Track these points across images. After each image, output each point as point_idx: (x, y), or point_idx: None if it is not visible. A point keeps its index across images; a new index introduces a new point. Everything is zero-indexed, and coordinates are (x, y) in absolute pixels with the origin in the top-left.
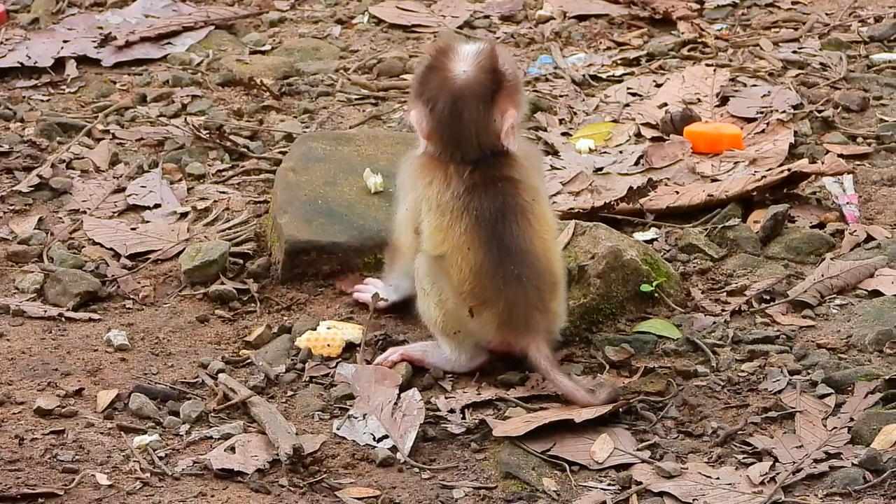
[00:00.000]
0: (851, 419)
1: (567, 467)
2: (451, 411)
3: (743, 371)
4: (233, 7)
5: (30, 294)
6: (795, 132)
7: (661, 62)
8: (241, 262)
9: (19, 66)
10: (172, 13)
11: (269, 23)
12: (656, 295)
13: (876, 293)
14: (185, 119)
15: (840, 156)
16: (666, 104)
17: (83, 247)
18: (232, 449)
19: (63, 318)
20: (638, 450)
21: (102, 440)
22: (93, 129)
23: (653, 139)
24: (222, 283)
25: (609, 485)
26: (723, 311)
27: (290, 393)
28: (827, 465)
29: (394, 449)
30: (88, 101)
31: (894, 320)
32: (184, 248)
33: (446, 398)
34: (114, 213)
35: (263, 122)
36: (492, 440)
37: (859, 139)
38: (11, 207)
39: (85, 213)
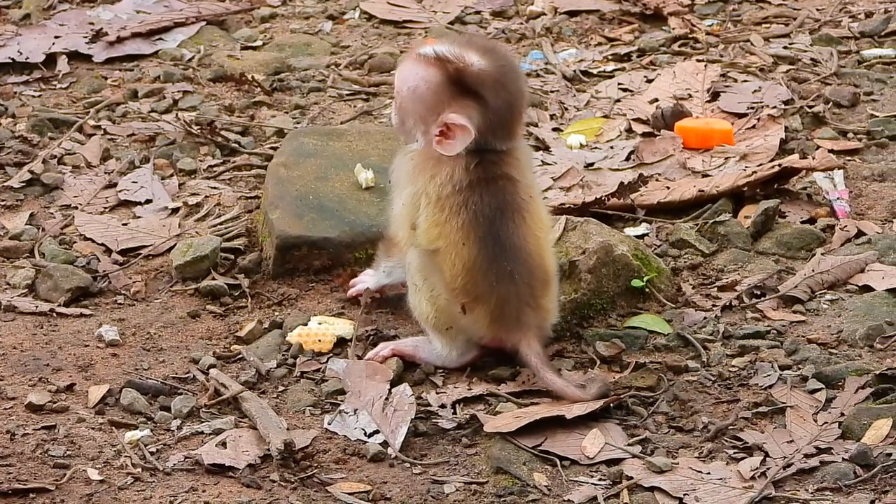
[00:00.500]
0: (842, 414)
1: (558, 462)
2: (443, 406)
3: (734, 366)
4: (224, 3)
5: (21, 289)
6: (786, 127)
7: (651, 58)
8: (232, 257)
9: (10, 61)
10: (163, 9)
11: (261, 18)
12: (647, 290)
13: (866, 288)
14: (177, 115)
15: (831, 151)
16: (657, 100)
17: (74, 242)
18: (223, 444)
19: (54, 314)
20: (629, 445)
21: (94, 435)
22: (84, 125)
23: (644, 135)
24: (213, 279)
25: (600, 480)
26: (713, 306)
27: (281, 388)
28: (817, 460)
29: (385, 444)
30: (80, 96)
31: (885, 315)
32: (175, 244)
33: (437, 393)
34: (105, 208)
35: (255, 117)
36: (483, 435)
37: (850, 134)
38: (3, 203)
39: (76, 208)
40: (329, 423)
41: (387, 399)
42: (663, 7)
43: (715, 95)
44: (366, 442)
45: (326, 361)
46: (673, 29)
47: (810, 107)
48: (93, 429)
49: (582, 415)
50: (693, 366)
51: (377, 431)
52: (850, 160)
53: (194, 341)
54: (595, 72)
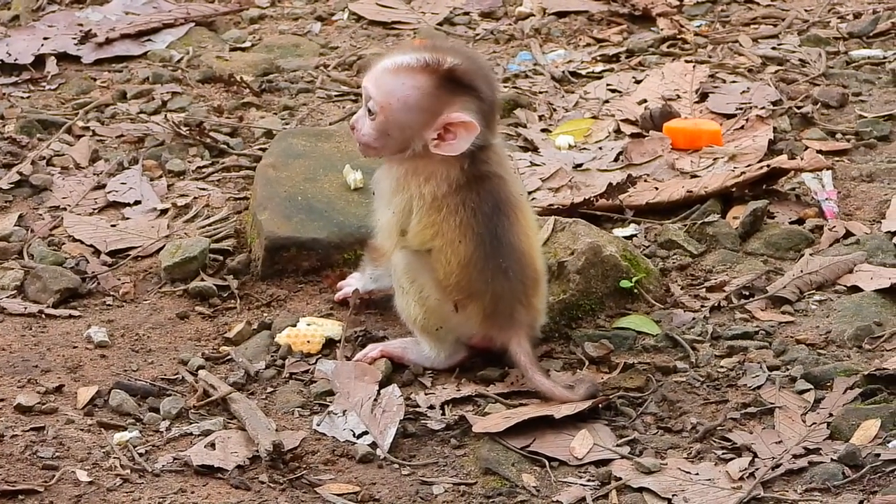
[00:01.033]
0: (830, 415)
1: (547, 463)
2: (431, 407)
3: (722, 367)
4: (213, 4)
5: (10, 291)
6: (774, 128)
7: (640, 59)
8: (220, 258)
9: None
10: (152, 10)
11: (249, 20)
12: (636, 291)
13: (855, 289)
14: (166, 116)
15: (819, 152)
16: (645, 100)
17: (63, 243)
18: (212, 445)
19: (43, 315)
20: (617, 445)
21: (83, 437)
22: (73, 126)
23: (632, 135)
24: (202, 280)
25: (589, 480)
26: (702, 306)
27: (269, 389)
28: (806, 461)
29: (373, 445)
30: (69, 97)
31: (873, 316)
32: (164, 245)
33: (426, 394)
34: (94, 209)
35: (243, 118)
36: (471, 436)
37: (838, 135)
38: None
39: (65, 209)
40: (318, 425)
41: (375, 400)
42: (652, 8)
43: (703, 96)
44: (354, 443)
45: (315, 362)
46: (661, 30)
47: (799, 107)
48: (81, 430)
49: (570, 415)
50: (681, 366)
51: (366, 432)
52: (838, 161)
53: (183, 342)
54: (584, 73)
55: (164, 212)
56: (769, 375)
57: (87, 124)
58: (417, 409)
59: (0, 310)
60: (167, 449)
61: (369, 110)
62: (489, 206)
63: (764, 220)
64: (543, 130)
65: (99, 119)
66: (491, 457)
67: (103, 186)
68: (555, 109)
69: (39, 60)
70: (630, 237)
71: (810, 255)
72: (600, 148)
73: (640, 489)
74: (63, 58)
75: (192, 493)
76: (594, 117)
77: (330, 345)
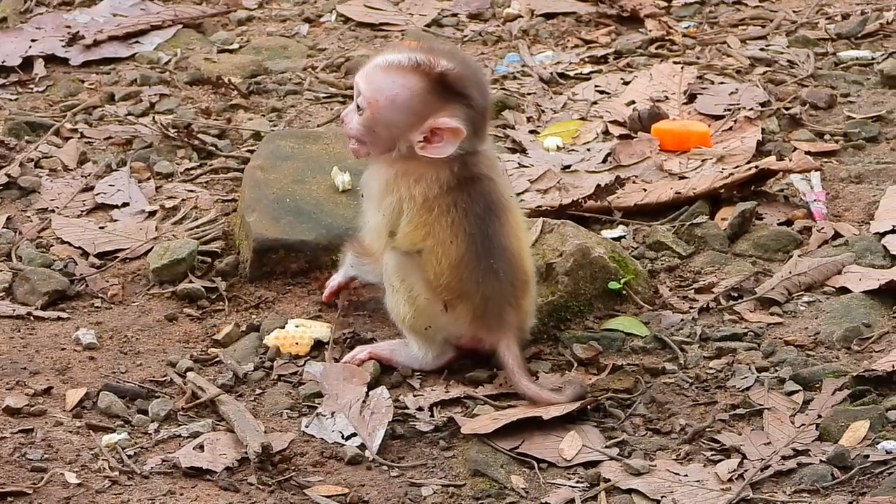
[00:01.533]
0: (819, 416)
1: (535, 465)
2: (420, 409)
3: (711, 368)
4: (201, 6)
5: None
6: (763, 129)
7: (628, 60)
8: (209, 260)
9: None
10: (140, 12)
11: (237, 21)
12: (624, 292)
13: (843, 290)
14: (154, 118)
15: (807, 153)
16: (634, 102)
17: (51, 245)
18: (200, 447)
19: (31, 317)
20: (606, 447)
21: (71, 439)
22: (61, 128)
23: (620, 137)
24: (190, 282)
25: (578, 482)
26: (691, 308)
27: (258, 391)
28: (795, 462)
29: (362, 447)
30: (57, 99)
31: (862, 317)
32: (152, 247)
33: (415, 396)
34: (82, 211)
35: (231, 120)
36: (460, 438)
37: (827, 136)
38: None
39: (53, 211)
40: (306, 426)
41: (364, 402)
42: (640, 9)
43: (691, 97)
44: (343, 445)
45: (303, 364)
46: (649, 31)
47: (787, 108)
48: (70, 432)
49: (559, 417)
50: (670, 368)
51: (354, 434)
52: (826, 162)
53: (171, 344)
54: (572, 74)
55: (152, 214)
56: (758, 377)
57: (75, 126)
58: (406, 411)
59: None
60: (156, 451)
61: (358, 105)
62: (480, 207)
63: (752, 221)
64: (531, 132)
65: (87, 121)
66: (480, 458)
67: (91, 188)
68: (543, 111)
69: (27, 62)
70: (618, 239)
71: (799, 256)
72: (588, 149)
73: (629, 490)
74: (51, 60)
75: (181, 494)
76: (582, 119)
77: (318, 347)
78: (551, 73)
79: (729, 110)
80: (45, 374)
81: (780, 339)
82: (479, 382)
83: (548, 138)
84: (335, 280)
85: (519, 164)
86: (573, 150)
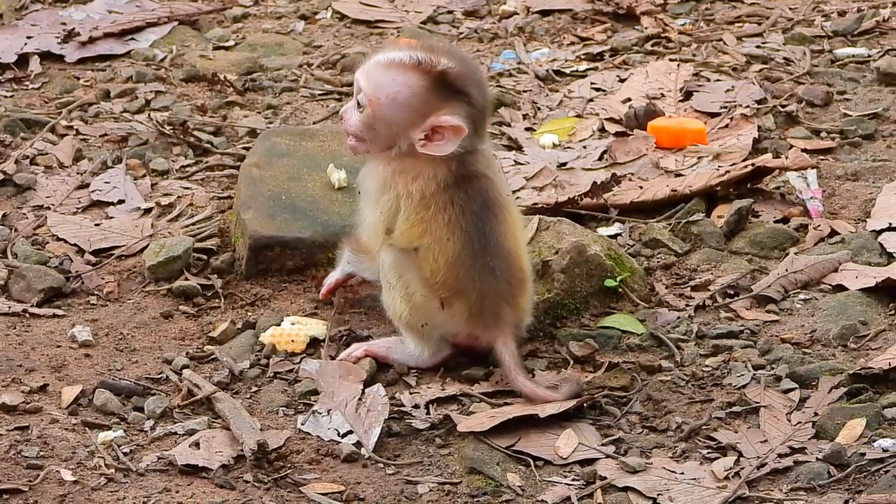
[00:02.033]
0: (816, 414)
1: (531, 462)
2: (416, 407)
3: (707, 366)
4: (196, 3)
5: None
6: (759, 127)
7: (624, 57)
8: (205, 257)
9: None
10: (136, 9)
11: (233, 18)
12: (620, 290)
13: (840, 288)
14: (149, 115)
15: (804, 150)
16: (630, 99)
17: (47, 243)
18: (196, 444)
19: (27, 314)
20: (602, 445)
21: (67, 436)
22: (56, 125)
23: (616, 134)
24: (186, 279)
25: (574, 480)
26: (687, 306)
27: (254, 388)
28: (791, 460)
29: (358, 444)
30: (52, 96)
31: (858, 315)
32: (148, 244)
33: (411, 393)
34: (77, 208)
35: (227, 117)
36: (456, 435)
37: (823, 134)
38: None
39: (49, 209)
40: (302, 424)
41: (360, 399)
42: (636, 6)
43: (688, 95)
44: (339, 442)
45: (299, 362)
46: (645, 28)
47: (783, 106)
48: (66, 429)
49: (555, 415)
50: (666, 366)
51: (350, 432)
52: (823, 159)
53: (167, 342)
54: (568, 71)
55: (147, 211)
56: (754, 374)
57: (71, 123)
58: (402, 409)
59: None
60: (152, 448)
61: (358, 102)
62: (478, 204)
63: (749, 218)
64: (528, 129)
65: (82, 118)
66: (476, 456)
67: (87, 185)
68: (539, 108)
69: (23, 59)
70: (615, 236)
71: (795, 253)
72: (584, 147)
73: (625, 488)
74: (46, 57)
75: (177, 492)
76: (578, 116)
77: (314, 344)
78: (547, 71)
79: (725, 108)
80: (41, 372)
81: (777, 336)
82: (475, 380)
83: (544, 136)
84: (332, 277)
85: (515, 161)
86: (569, 147)
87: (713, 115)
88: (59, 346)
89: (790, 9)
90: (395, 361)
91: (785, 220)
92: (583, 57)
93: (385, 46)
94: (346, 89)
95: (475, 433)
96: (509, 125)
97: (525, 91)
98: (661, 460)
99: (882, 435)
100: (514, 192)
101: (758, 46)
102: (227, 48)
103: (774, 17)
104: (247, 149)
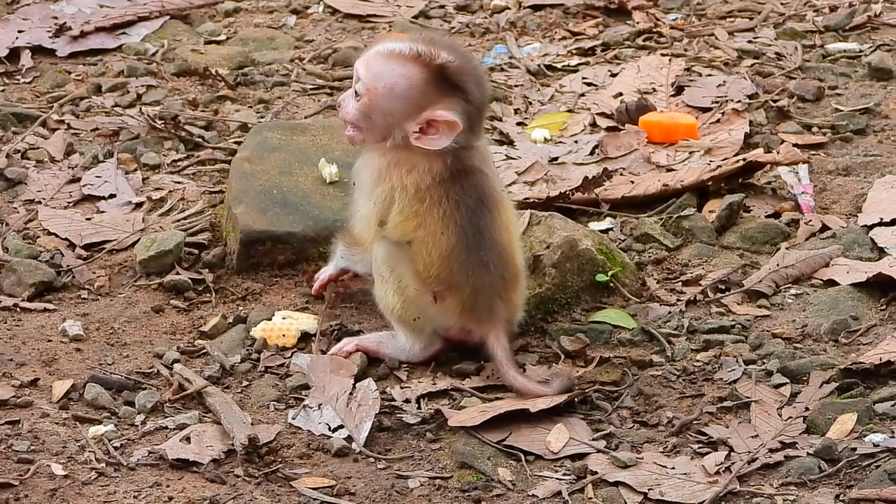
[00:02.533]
0: (807, 409)
1: (522, 457)
2: (407, 401)
3: (698, 361)
4: None
5: None
6: (751, 122)
7: (616, 52)
8: (196, 252)
9: None
10: (127, 3)
11: (224, 13)
12: (611, 285)
13: (831, 283)
14: (141, 109)
15: (795, 145)
16: (621, 94)
17: (38, 237)
18: (187, 439)
19: (18, 309)
20: (593, 439)
21: (58, 430)
22: (48, 120)
23: (608, 129)
24: (177, 274)
25: (564, 474)
26: (678, 300)
27: (245, 383)
28: (782, 455)
29: (349, 439)
30: (43, 91)
31: (849, 310)
32: (139, 239)
33: (402, 388)
34: (69, 203)
35: (218, 112)
36: (447, 430)
37: (815, 129)
38: None
39: (40, 203)
40: (293, 418)
41: (351, 394)
42: (627, 1)
43: (679, 90)
44: (330, 437)
45: (290, 356)
46: (637, 23)
47: (775, 101)
48: (57, 424)
49: (546, 409)
50: (657, 360)
51: (341, 426)
52: (814, 154)
53: (158, 336)
54: (559, 66)
55: (139, 205)
56: (745, 369)
57: (62, 117)
58: (393, 403)
59: None
60: (142, 443)
61: (356, 91)
62: (473, 199)
63: (740, 213)
64: (519, 124)
65: (74, 112)
66: (466, 451)
67: (78, 180)
68: (530, 103)
69: (14, 53)
70: (606, 231)
71: (786, 248)
72: (576, 141)
73: (616, 483)
74: (38, 51)
75: (168, 486)
76: (570, 111)
77: (305, 338)
78: (539, 65)
79: (716, 102)
80: (32, 366)
81: (768, 331)
82: (466, 374)
83: (535, 130)
84: (325, 273)
85: (506, 156)
86: (561, 142)
87: (705, 109)
88: (49, 341)
89: (782, 4)
90: (386, 356)
91: (776, 215)
92: (574, 52)
93: (383, 39)
94: (337, 84)
95: (466, 428)
96: (501, 120)
97: (517, 86)
98: (651, 455)
99: (873, 430)
100: (505, 186)
101: (749, 41)
102: (218, 42)
103: (766, 12)
104: (238, 143)
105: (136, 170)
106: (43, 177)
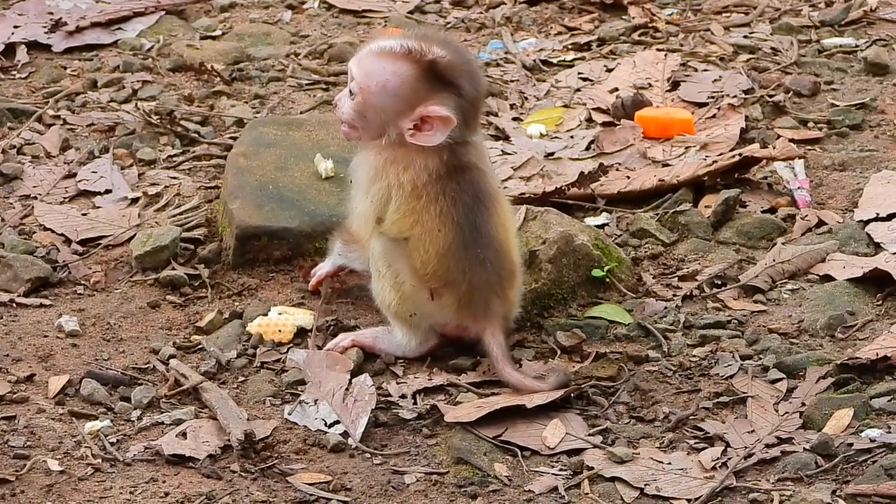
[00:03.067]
0: (803, 404)
1: (519, 453)
2: (403, 397)
3: (694, 356)
4: None
5: None
6: (746, 117)
7: (611, 47)
8: (192, 247)
9: None
10: None
11: (220, 8)
12: (608, 280)
13: (827, 278)
14: (136, 104)
15: (791, 140)
16: (617, 89)
17: (34, 232)
18: (183, 434)
19: (14, 304)
20: (589, 435)
21: (54, 426)
22: (43, 115)
23: (604, 124)
24: (173, 269)
25: (561, 470)
26: (674, 296)
27: (241, 378)
28: (779, 450)
29: (345, 434)
30: (39, 86)
31: (845, 305)
32: (135, 234)
33: (398, 383)
34: (65, 198)
35: (214, 107)
36: (443, 425)
37: (810, 124)
38: None
39: (36, 198)
40: (289, 414)
41: (347, 389)
42: None
43: (675, 85)
44: (326, 432)
45: (286, 352)
46: (633, 18)
47: (770, 96)
48: (53, 419)
49: (542, 405)
50: (654, 356)
51: (337, 422)
52: (810, 149)
53: (154, 331)
54: (555, 61)
55: (134, 201)
56: (741, 365)
57: (58, 113)
58: (389, 399)
59: None
60: (138, 438)
61: (351, 90)
62: (469, 196)
63: (736, 208)
64: (515, 119)
65: (69, 108)
66: (463, 446)
67: (74, 175)
68: (526, 98)
69: (9, 49)
70: (602, 226)
71: (782, 244)
72: (572, 136)
73: (613, 478)
74: (33, 46)
75: (164, 482)
76: (565, 106)
77: (301, 334)
78: (534, 61)
79: (712, 98)
80: (28, 361)
81: (764, 326)
82: (462, 370)
83: (531, 125)
84: (323, 269)
85: (502, 151)
86: (556, 137)
87: (700, 105)
88: (45, 336)
89: None
90: (382, 351)
91: (772, 210)
92: (570, 47)
93: (378, 35)
94: (333, 79)
95: (462, 423)
96: (496, 115)
97: (512, 81)
98: (648, 450)
99: (869, 425)
100: (501, 181)
101: (745, 36)
102: (214, 38)
103: (762, 7)
104: (234, 138)
105: (131, 165)
106: (39, 172)
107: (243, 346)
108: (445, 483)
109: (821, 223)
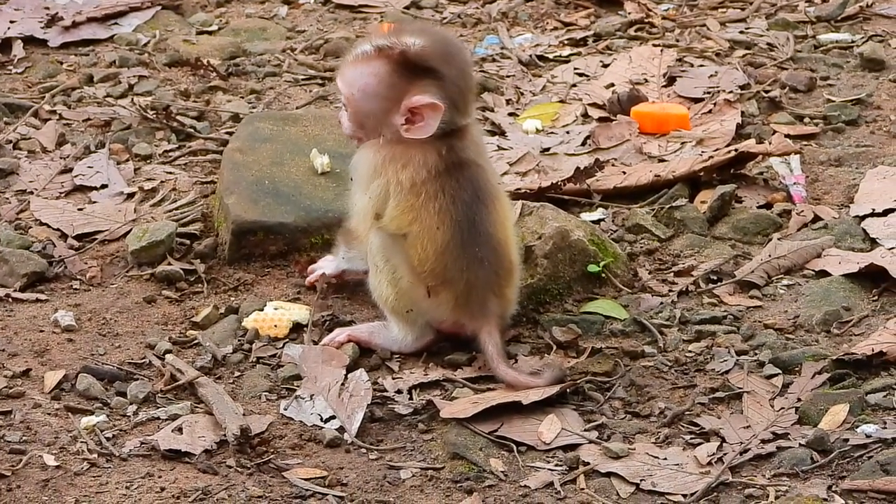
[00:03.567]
0: (799, 399)
1: (514, 448)
2: (399, 392)
3: (690, 351)
4: None
5: None
6: (742, 112)
7: (608, 42)
8: (188, 242)
9: None
10: None
11: (216, 3)
12: (603, 275)
13: (823, 273)
14: (132, 99)
15: (787, 136)
16: (613, 84)
17: (30, 227)
18: (179, 430)
19: (10, 299)
20: (585, 430)
21: (49, 421)
22: (39, 110)
23: (600, 119)
24: (169, 264)
25: (556, 465)
26: (670, 291)
27: (237, 374)
28: (774, 446)
29: (341, 429)
30: (35, 81)
31: (841, 300)
32: (131, 229)
33: (393, 379)
34: (61, 193)
35: (210, 102)
36: (439, 421)
37: (806, 119)
38: None
39: (32, 193)
40: (285, 409)
41: (343, 384)
42: None
43: (671, 80)
44: (322, 427)
45: (282, 347)
46: (629, 13)
47: (767, 91)
48: (49, 414)
49: (538, 400)
50: (649, 351)
51: (333, 417)
52: (806, 145)
53: (150, 327)
54: (551, 56)
55: (130, 196)
56: (737, 360)
57: (54, 108)
58: (385, 394)
59: None
60: (134, 433)
61: (343, 104)
62: (468, 193)
63: (732, 204)
64: (511, 114)
65: (66, 103)
66: (459, 441)
67: (70, 170)
68: (522, 93)
69: (6, 44)
70: (598, 221)
71: (778, 239)
72: (568, 132)
73: (608, 474)
74: (29, 41)
75: (160, 477)
76: (562, 101)
77: (297, 329)
78: (530, 56)
79: (708, 93)
80: (24, 356)
81: (760, 322)
82: (458, 365)
83: (527, 121)
84: (325, 270)
85: (498, 146)
86: (552, 132)
87: (696, 100)
88: (41, 331)
89: None
90: (377, 346)
91: (768, 206)
92: (566, 42)
93: (367, 33)
94: (329, 74)
95: (458, 419)
96: (492, 110)
97: (508, 76)
98: (643, 446)
99: (865, 421)
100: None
101: (741, 32)
102: (210, 33)
103: (758, 3)
104: (230, 133)
105: (127, 160)
106: (35, 167)
107: (239, 341)
108: (441, 478)
109: (817, 218)
